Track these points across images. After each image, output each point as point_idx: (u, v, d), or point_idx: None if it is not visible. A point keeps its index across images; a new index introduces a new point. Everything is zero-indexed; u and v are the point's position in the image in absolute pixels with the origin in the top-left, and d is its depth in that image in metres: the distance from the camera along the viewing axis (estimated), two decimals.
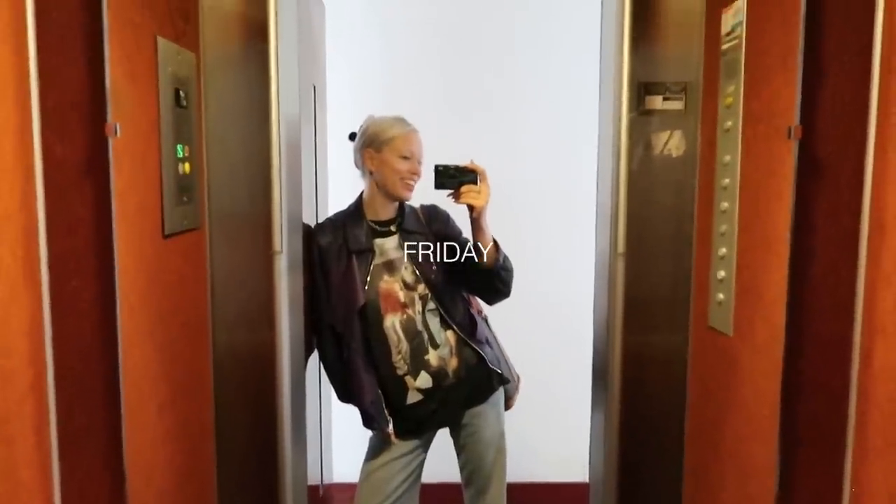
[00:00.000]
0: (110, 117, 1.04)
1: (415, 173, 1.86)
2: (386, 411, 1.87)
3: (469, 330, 1.91)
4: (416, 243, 1.89)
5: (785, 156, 1.09)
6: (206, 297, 1.62)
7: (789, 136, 1.02)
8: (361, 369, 1.84)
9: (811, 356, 1.06)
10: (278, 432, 1.67)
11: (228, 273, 1.65)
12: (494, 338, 2.04)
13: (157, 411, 1.35)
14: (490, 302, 1.97)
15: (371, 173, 1.88)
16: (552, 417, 2.86)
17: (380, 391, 1.86)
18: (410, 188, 1.87)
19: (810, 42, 1.04)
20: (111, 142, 1.05)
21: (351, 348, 1.83)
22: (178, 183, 1.43)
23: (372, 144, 1.87)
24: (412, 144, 1.87)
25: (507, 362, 2.03)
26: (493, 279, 1.84)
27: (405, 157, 1.85)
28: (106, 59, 1.03)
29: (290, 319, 1.63)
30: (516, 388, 2.06)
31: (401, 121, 1.90)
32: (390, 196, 1.88)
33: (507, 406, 2.04)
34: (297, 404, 1.73)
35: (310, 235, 1.87)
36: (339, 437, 2.64)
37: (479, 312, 2.04)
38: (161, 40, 1.35)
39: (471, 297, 2.01)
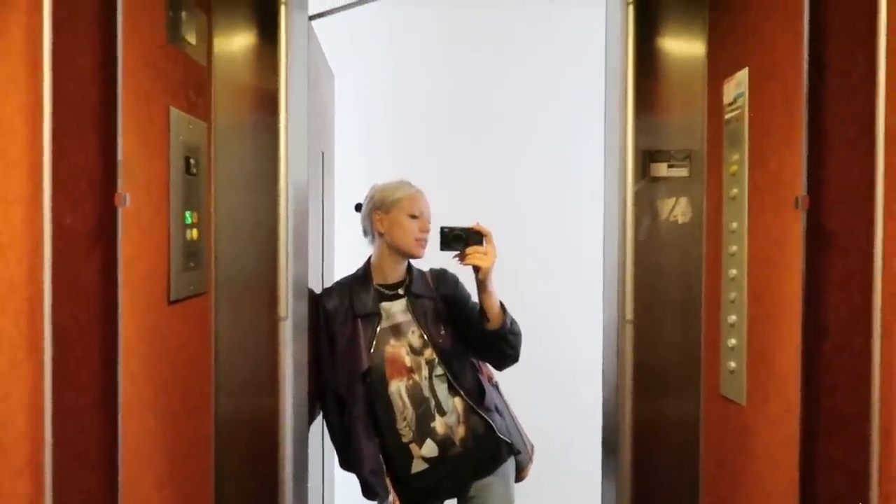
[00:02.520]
0: (121, 187, 1.06)
1: (425, 231, 1.89)
2: (388, 482, 1.81)
3: (478, 397, 1.88)
4: (424, 308, 1.88)
5: (792, 226, 1.08)
6: (210, 363, 1.61)
7: (797, 207, 1.02)
8: (362, 436, 1.80)
9: (828, 431, 1.03)
10: (280, 502, 1.62)
11: (233, 338, 1.64)
12: (506, 406, 2.00)
13: (156, 486, 1.31)
14: (499, 367, 1.95)
15: (381, 235, 1.89)
16: (562, 486, 2.78)
17: (382, 460, 1.82)
18: (422, 245, 1.89)
19: (814, 114, 1.05)
20: (120, 212, 1.06)
21: (352, 414, 1.80)
22: (185, 249, 1.44)
23: (381, 207, 1.90)
24: (420, 204, 1.90)
25: (519, 431, 1.98)
26: (500, 342, 1.82)
27: (414, 216, 1.88)
28: (119, 131, 1.05)
29: (293, 386, 1.60)
30: (530, 459, 2.01)
31: (406, 183, 1.95)
32: (403, 254, 1.90)
33: (520, 477, 1.98)
34: (300, 474, 1.68)
35: (315, 300, 1.86)
36: None
37: (490, 379, 2.01)
38: (174, 111, 1.38)
39: (481, 364, 1.98)
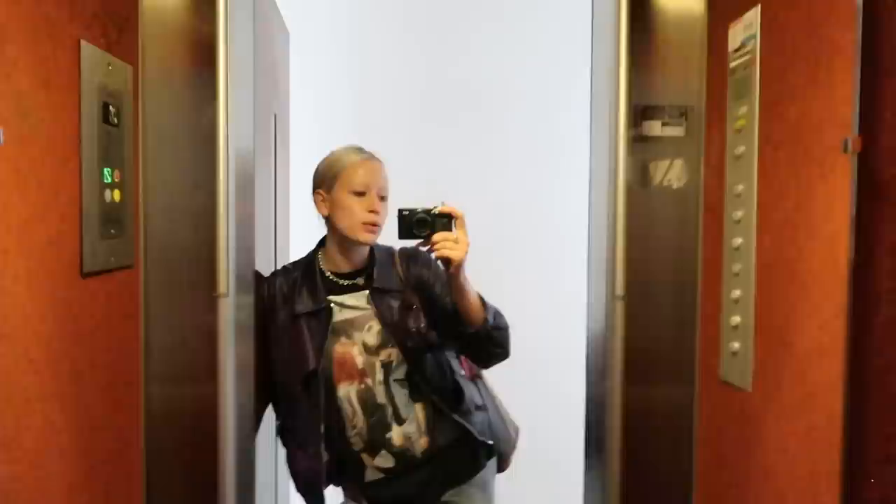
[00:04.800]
0: None
1: (373, 211, 1.55)
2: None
3: (453, 400, 1.64)
4: (389, 303, 1.60)
5: (829, 177, 0.92)
6: (138, 347, 1.38)
7: (845, 151, 0.85)
8: (294, 448, 1.60)
9: (880, 420, 0.87)
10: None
11: (168, 319, 1.42)
12: (491, 396, 1.78)
13: (66, 492, 1.10)
14: (485, 366, 1.70)
15: (326, 218, 1.61)
16: (541, 482, 2.61)
17: (322, 470, 1.59)
18: (372, 230, 1.56)
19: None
20: None
21: (288, 419, 1.59)
22: (103, 212, 1.21)
23: (322, 184, 1.60)
24: (367, 175, 1.57)
25: (503, 419, 1.77)
26: (483, 342, 1.56)
27: (358, 193, 1.55)
28: None
29: (235, 373, 1.39)
30: (514, 446, 1.79)
31: (353, 150, 1.63)
32: (350, 242, 1.59)
33: (503, 468, 1.77)
34: (244, 470, 1.47)
35: (260, 284, 1.63)
36: None
37: (471, 370, 1.76)
38: (86, 46, 1.16)
39: (462, 357, 1.74)
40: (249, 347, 1.51)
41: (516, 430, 1.80)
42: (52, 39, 1.06)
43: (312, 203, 1.65)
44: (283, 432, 1.66)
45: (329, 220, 1.61)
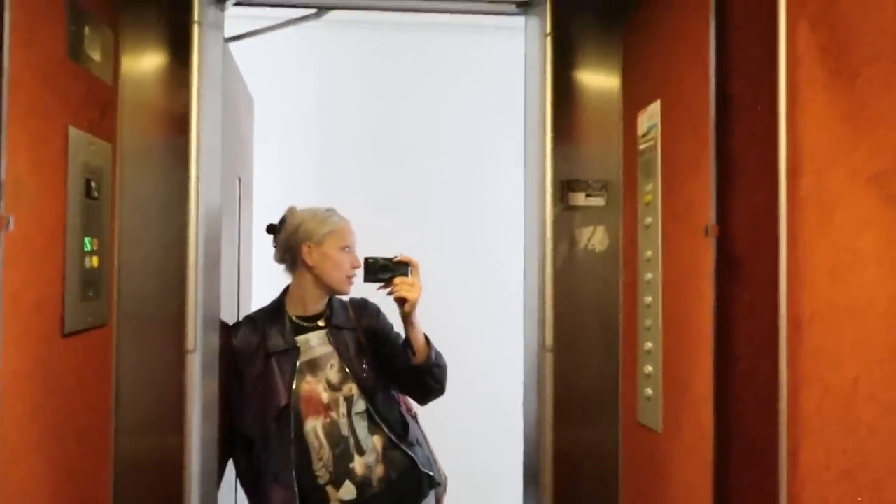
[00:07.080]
0: (2, 209, 0.97)
1: (356, 266, 1.81)
2: None
3: (401, 432, 1.82)
4: (345, 340, 1.81)
5: (703, 254, 1.11)
6: (110, 400, 1.50)
7: (706, 235, 1.04)
8: (270, 480, 1.70)
9: (741, 457, 1.05)
10: None
11: (137, 373, 1.54)
12: (424, 437, 1.96)
13: None
14: (423, 401, 1.89)
15: (309, 268, 1.81)
16: None
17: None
18: (352, 282, 1.83)
19: (720, 144, 1.08)
20: (2, 235, 0.97)
21: (261, 457, 1.70)
22: (83, 277, 1.34)
23: (311, 238, 1.80)
24: (352, 235, 1.84)
25: (435, 462, 1.94)
26: (425, 377, 1.77)
27: (346, 249, 1.81)
28: (1, 148, 0.97)
29: (202, 424, 1.51)
30: (444, 490, 1.96)
31: (335, 212, 1.87)
32: (331, 291, 1.83)
33: None
34: None
35: (226, 334, 1.77)
36: None
37: (409, 410, 1.96)
38: (73, 130, 1.30)
39: (400, 396, 1.93)
40: (215, 398, 1.62)
41: (445, 478, 1.96)
42: (44, 127, 1.20)
43: (292, 252, 1.81)
44: (255, 471, 1.76)
45: (312, 270, 1.80)
